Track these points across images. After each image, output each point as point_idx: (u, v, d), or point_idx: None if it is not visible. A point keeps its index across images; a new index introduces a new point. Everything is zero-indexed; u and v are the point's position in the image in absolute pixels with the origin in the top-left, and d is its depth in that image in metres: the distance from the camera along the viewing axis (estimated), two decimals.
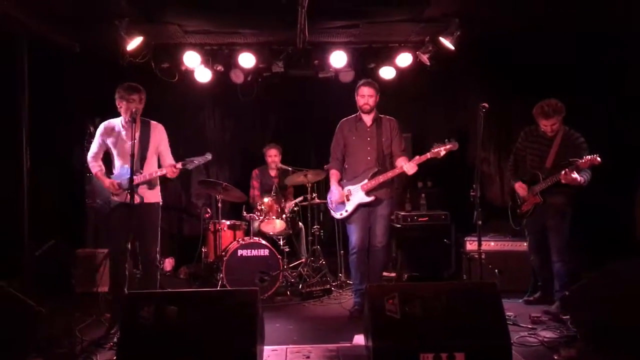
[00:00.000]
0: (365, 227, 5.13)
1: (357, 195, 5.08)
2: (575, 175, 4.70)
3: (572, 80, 6.26)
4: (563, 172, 4.72)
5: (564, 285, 4.93)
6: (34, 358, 3.78)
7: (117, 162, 4.75)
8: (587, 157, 4.67)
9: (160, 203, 4.91)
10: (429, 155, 4.85)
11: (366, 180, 5.04)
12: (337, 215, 5.24)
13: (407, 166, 4.89)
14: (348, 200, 5.13)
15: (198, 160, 4.73)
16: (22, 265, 5.41)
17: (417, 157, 4.91)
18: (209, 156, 4.80)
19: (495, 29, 6.16)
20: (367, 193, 5.05)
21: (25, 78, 5.43)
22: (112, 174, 4.79)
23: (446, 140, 4.83)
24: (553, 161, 5.01)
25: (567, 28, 6.12)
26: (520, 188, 5.24)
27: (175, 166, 4.67)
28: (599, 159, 4.64)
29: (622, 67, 6.21)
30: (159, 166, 4.83)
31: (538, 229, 5.22)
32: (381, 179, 4.99)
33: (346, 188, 5.16)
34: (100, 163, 4.82)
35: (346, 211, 5.15)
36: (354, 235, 5.14)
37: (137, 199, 4.55)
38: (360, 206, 5.09)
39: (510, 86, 6.73)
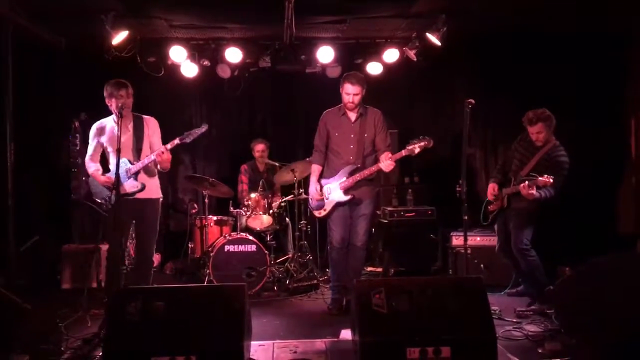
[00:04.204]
0: (345, 225, 5.05)
1: (335, 193, 5.00)
2: (532, 191, 4.75)
3: (561, 79, 6.33)
4: (522, 184, 4.80)
5: (533, 282, 5.06)
6: (19, 354, 3.75)
7: (112, 159, 4.72)
8: (544, 177, 4.69)
9: (161, 199, 4.92)
10: (403, 152, 4.79)
11: (344, 178, 4.95)
12: (316, 213, 5.20)
13: (384, 164, 4.79)
14: (327, 199, 5.06)
15: (195, 133, 4.67)
16: (7, 261, 5.37)
17: (391, 154, 4.83)
18: (205, 127, 4.73)
19: (482, 26, 6.19)
20: (345, 191, 4.96)
21: (10, 73, 5.38)
22: (108, 171, 4.79)
23: (420, 137, 4.78)
24: (529, 171, 5.05)
25: (555, 26, 6.17)
26: (490, 190, 5.34)
27: (165, 148, 4.59)
28: (551, 180, 4.66)
29: (616, 68, 6.30)
30: None
31: (503, 230, 5.31)
32: (358, 177, 4.90)
33: (325, 186, 5.08)
34: (98, 164, 4.84)
35: (324, 210, 5.10)
36: (334, 233, 5.09)
37: (138, 186, 4.66)
38: (338, 205, 5.02)
39: (497, 82, 6.77)
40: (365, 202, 5.04)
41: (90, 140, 4.85)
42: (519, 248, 5.03)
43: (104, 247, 5.47)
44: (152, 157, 4.66)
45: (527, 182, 4.78)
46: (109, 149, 4.77)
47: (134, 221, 4.92)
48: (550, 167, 4.92)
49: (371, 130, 5.01)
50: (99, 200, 4.79)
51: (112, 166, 4.76)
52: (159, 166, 4.75)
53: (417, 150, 4.76)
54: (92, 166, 4.82)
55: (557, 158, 4.97)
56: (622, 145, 6.41)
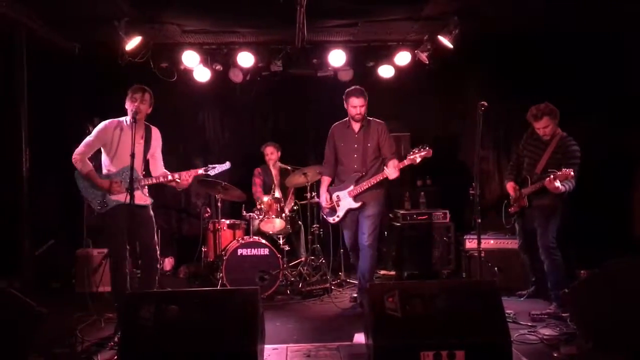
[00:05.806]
0: (354, 228, 5.34)
1: (346, 200, 5.26)
2: (557, 184, 4.70)
3: (571, 80, 6.28)
4: (548, 179, 4.76)
5: (555, 283, 4.98)
6: (35, 358, 3.78)
7: (115, 161, 4.60)
8: (563, 170, 4.66)
9: (151, 203, 4.81)
10: (406, 162, 4.98)
11: (352, 187, 5.20)
12: (330, 220, 5.48)
13: (389, 171, 5.01)
14: (338, 206, 5.34)
15: (219, 168, 4.82)
16: (22, 265, 5.42)
17: (397, 162, 5.01)
18: (228, 164, 4.90)
19: (493, 28, 6.17)
20: (355, 198, 5.21)
21: (24, 78, 5.44)
22: (100, 172, 4.62)
23: (421, 147, 4.94)
24: (543, 167, 5.04)
25: (567, 27, 6.13)
26: (510, 188, 5.33)
27: (192, 174, 4.67)
28: (572, 173, 4.65)
29: (622, 66, 6.23)
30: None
31: (526, 229, 5.29)
32: (365, 185, 5.14)
33: (334, 194, 5.35)
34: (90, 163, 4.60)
35: (338, 217, 5.37)
36: (345, 238, 5.50)
37: (147, 200, 4.67)
38: (350, 211, 5.28)
39: (509, 84, 6.74)
40: (371, 204, 5.23)
41: (92, 136, 4.58)
42: (547, 246, 5.00)
43: None
44: (171, 177, 4.68)
45: (552, 175, 4.74)
46: (115, 151, 4.57)
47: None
48: (564, 158, 4.91)
49: (374, 139, 5.24)
50: (90, 199, 4.58)
51: (113, 169, 4.58)
52: (178, 183, 4.71)
53: (418, 160, 4.95)
54: (88, 164, 4.54)
55: (568, 148, 4.96)
56: (635, 145, 6.34)
